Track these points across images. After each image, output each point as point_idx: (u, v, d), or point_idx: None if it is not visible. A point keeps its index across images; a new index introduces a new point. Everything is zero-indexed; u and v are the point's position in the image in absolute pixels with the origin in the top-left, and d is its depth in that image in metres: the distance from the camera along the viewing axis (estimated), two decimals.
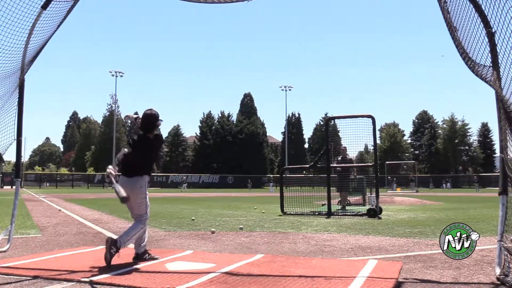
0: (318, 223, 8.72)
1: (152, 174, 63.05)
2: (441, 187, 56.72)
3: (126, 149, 4.64)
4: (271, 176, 59.00)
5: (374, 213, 9.66)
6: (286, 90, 68.10)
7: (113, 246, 4.25)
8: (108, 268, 4.13)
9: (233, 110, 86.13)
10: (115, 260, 4.28)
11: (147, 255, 4.62)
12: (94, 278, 3.72)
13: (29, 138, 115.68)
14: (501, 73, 3.60)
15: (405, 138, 77.23)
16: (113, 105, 71.99)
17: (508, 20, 3.09)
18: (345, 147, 11.90)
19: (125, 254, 4.81)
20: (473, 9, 3.70)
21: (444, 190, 46.63)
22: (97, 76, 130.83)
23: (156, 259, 4.60)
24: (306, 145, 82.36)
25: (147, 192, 4.63)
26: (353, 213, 10.34)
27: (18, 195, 5.81)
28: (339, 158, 11.94)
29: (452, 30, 4.04)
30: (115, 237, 4.54)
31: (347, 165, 11.73)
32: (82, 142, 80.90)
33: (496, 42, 3.63)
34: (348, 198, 12.48)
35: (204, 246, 5.79)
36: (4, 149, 5.70)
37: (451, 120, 72.85)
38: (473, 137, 73.98)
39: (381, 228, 7.75)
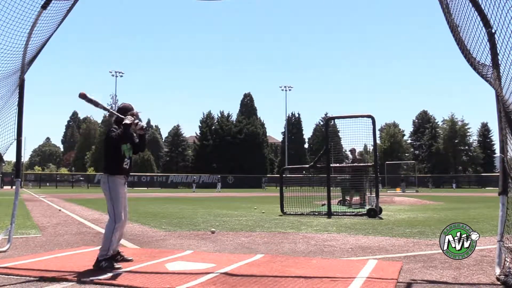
0: (318, 223, 8.72)
1: (152, 174, 62.65)
2: (442, 187, 56.90)
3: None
4: (266, 176, 59.87)
5: (374, 213, 9.66)
6: (286, 90, 68.19)
7: (98, 264, 4.13)
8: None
9: (233, 110, 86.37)
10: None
11: (119, 256, 4.46)
12: (94, 278, 3.72)
13: (29, 138, 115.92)
14: (501, 73, 3.60)
15: (405, 138, 77.18)
16: (113, 105, 72.03)
17: (508, 20, 3.09)
18: (353, 149, 11.96)
19: (127, 254, 4.82)
20: (473, 9, 3.70)
21: (445, 190, 46.61)
22: (97, 76, 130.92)
23: (130, 260, 4.48)
24: (306, 145, 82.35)
25: (113, 191, 4.31)
26: (353, 213, 10.34)
27: (18, 195, 5.81)
28: (350, 160, 12.03)
29: (454, 27, 4.04)
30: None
31: (346, 165, 11.75)
32: (82, 142, 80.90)
33: (496, 42, 3.63)
34: (347, 198, 12.49)
35: (204, 246, 5.79)
36: (5, 149, 5.70)
37: (451, 120, 72.83)
38: (473, 137, 74.06)
39: (381, 228, 7.75)
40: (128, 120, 4.34)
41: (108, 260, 4.16)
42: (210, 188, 55.06)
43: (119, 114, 4.47)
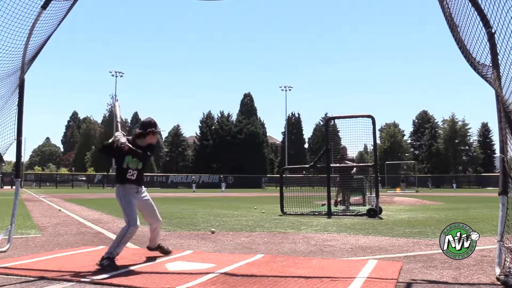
0: (318, 223, 8.72)
1: (152, 174, 63.05)
2: (442, 187, 56.93)
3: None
4: (266, 176, 60.19)
5: (374, 213, 9.66)
6: (286, 90, 68.24)
7: (101, 261, 4.17)
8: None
9: (233, 110, 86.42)
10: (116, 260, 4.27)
11: (159, 249, 4.97)
12: (94, 278, 3.72)
13: (29, 138, 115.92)
14: (501, 73, 3.60)
15: (405, 138, 77.21)
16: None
17: (508, 20, 3.09)
18: (344, 147, 11.90)
19: (125, 255, 4.82)
20: (473, 9, 3.70)
21: (445, 190, 46.62)
22: (97, 76, 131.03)
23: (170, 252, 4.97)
24: (306, 145, 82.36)
25: (123, 199, 4.51)
26: (353, 213, 10.34)
27: (18, 195, 5.80)
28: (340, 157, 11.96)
29: (453, 27, 4.04)
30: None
31: (346, 165, 11.73)
32: (82, 142, 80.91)
33: (496, 42, 3.63)
34: (339, 199, 12.44)
35: (204, 246, 5.79)
36: (4, 149, 5.70)
37: (451, 120, 72.80)
38: (473, 137, 74.07)
39: (381, 228, 7.75)
40: (111, 139, 4.51)
41: (111, 260, 4.18)
42: (210, 188, 55.08)
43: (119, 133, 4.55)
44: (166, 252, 4.94)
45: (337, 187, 11.83)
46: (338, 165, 11.48)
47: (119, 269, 4.09)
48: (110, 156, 4.68)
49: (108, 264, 4.12)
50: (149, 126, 4.65)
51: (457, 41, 4.04)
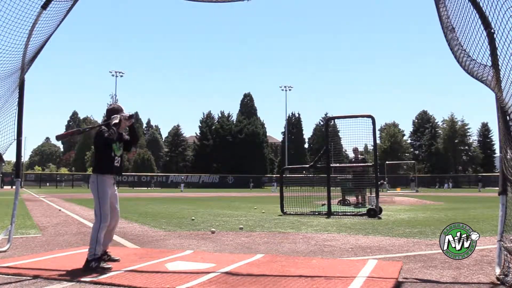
0: (318, 223, 8.72)
1: (152, 174, 63.06)
2: (437, 186, 56.78)
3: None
4: (274, 176, 59.58)
5: (374, 213, 9.66)
6: (286, 90, 68.22)
7: (87, 265, 4.12)
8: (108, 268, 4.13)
9: (233, 110, 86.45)
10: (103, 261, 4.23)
11: (105, 256, 4.39)
12: (94, 278, 3.72)
13: (29, 138, 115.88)
14: (501, 74, 3.59)
15: (405, 138, 77.16)
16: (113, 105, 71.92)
17: (509, 20, 3.08)
18: (356, 148, 12.02)
19: (125, 255, 4.82)
20: (473, 10, 3.70)
21: (445, 190, 46.61)
22: (97, 76, 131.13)
23: (117, 260, 4.43)
24: (306, 145, 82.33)
25: (101, 191, 4.31)
26: (353, 213, 10.34)
27: (18, 195, 5.81)
28: (353, 159, 12.09)
29: (449, 31, 4.03)
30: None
31: (346, 165, 11.76)
32: (82, 142, 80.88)
33: (496, 42, 3.63)
34: (347, 198, 12.49)
35: (204, 246, 5.79)
36: (4, 149, 5.70)
37: (451, 120, 72.78)
38: (473, 137, 74.04)
39: (381, 228, 7.75)
40: (116, 119, 4.36)
41: (97, 260, 4.12)
42: (210, 188, 55.21)
43: (102, 124, 4.51)
44: (112, 260, 4.43)
45: (355, 187, 11.97)
46: (338, 165, 11.51)
47: (109, 268, 4.08)
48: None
49: (97, 265, 4.07)
50: (117, 112, 4.49)
51: (450, 46, 4.03)
